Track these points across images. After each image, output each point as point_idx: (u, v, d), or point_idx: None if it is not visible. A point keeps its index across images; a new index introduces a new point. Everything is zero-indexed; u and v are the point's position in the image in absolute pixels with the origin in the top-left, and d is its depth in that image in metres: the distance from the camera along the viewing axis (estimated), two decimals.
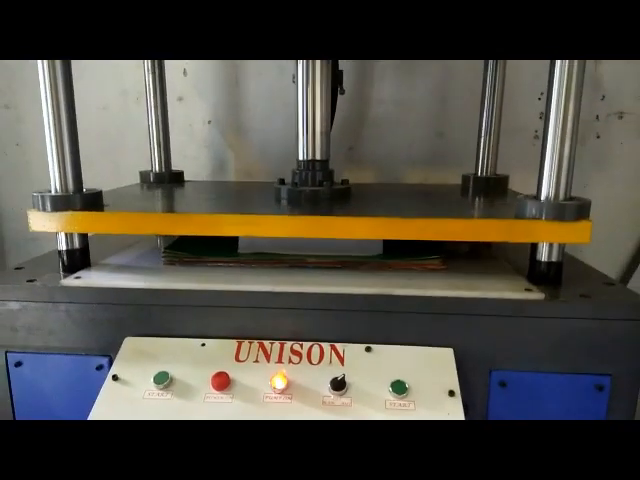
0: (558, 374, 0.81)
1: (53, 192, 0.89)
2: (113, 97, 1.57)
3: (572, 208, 0.81)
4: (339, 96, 1.25)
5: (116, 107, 1.58)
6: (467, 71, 1.46)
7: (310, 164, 1.07)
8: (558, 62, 0.78)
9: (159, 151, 1.37)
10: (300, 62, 1.05)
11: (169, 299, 0.85)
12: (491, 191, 1.26)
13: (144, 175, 1.38)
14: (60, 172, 0.89)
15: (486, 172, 1.30)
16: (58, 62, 0.85)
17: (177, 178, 1.39)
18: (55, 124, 0.87)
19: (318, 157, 1.07)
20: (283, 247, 0.96)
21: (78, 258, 0.93)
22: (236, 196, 1.27)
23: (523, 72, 1.46)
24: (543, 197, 0.83)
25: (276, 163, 1.58)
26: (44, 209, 0.87)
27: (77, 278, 0.88)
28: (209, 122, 1.60)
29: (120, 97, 1.58)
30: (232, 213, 0.88)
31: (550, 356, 0.81)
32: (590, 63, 1.47)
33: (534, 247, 0.87)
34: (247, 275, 0.91)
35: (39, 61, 0.84)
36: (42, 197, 0.87)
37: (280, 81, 1.49)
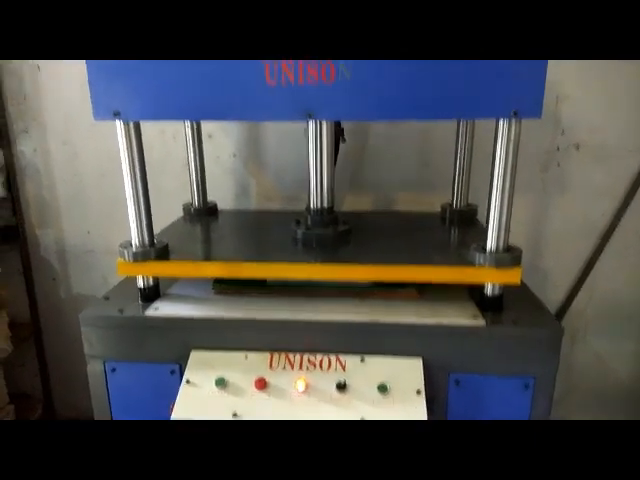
0: (496, 375, 1.16)
1: (134, 247, 1.22)
2: (154, 135, 1.88)
3: (507, 259, 1.14)
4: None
5: (157, 143, 1.89)
6: None
7: (319, 211, 1.39)
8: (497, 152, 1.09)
9: (197, 188, 1.67)
10: (310, 122, 1.34)
11: (221, 324, 1.20)
12: (462, 222, 1.58)
13: (186, 209, 1.70)
14: (138, 230, 1.21)
15: (459, 203, 1.61)
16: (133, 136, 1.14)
17: (212, 211, 1.72)
18: (134, 196, 1.18)
19: (325, 205, 1.39)
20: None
21: (152, 291, 1.28)
22: (260, 235, 1.59)
23: None
24: (488, 249, 1.16)
25: (289, 188, 1.91)
26: (128, 259, 1.21)
27: (156, 309, 1.22)
28: (234, 155, 1.91)
29: (159, 135, 1.89)
30: (261, 262, 1.22)
31: (491, 363, 1.15)
32: (552, 102, 1.75)
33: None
34: (275, 304, 1.24)
35: (119, 135, 1.13)
36: (126, 251, 1.20)
37: (292, 122, 1.78)
